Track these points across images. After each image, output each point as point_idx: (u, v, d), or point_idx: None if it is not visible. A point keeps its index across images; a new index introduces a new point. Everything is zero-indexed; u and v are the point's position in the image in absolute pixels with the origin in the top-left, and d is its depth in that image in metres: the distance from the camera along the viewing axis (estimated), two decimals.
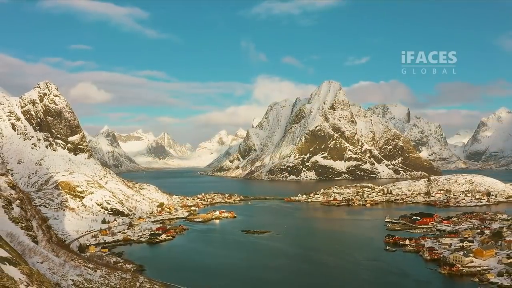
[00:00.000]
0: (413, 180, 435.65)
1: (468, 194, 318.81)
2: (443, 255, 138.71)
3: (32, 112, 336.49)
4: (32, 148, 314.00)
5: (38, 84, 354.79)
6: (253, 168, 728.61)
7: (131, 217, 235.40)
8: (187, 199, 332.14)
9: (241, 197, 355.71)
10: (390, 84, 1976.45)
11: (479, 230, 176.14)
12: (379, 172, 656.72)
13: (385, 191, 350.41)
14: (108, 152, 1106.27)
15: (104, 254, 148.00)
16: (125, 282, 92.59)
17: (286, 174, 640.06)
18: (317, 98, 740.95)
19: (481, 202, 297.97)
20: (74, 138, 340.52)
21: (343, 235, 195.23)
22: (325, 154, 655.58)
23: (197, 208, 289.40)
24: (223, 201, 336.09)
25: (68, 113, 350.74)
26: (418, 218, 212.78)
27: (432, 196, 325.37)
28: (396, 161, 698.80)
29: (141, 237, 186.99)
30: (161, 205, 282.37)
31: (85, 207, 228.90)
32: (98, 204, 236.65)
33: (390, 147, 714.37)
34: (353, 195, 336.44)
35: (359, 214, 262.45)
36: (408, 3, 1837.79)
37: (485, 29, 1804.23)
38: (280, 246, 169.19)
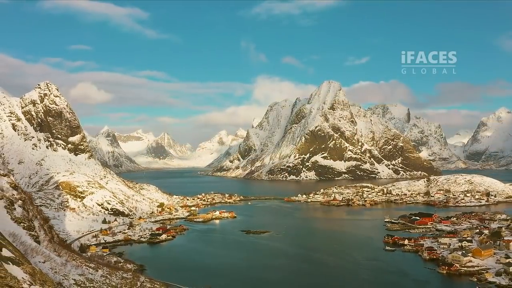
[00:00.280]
0: (412, 180, 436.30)
1: (468, 194, 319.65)
2: (442, 255, 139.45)
3: (33, 113, 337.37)
4: (33, 149, 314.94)
5: (39, 85, 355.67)
6: (253, 168, 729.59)
7: (132, 217, 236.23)
8: (187, 199, 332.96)
9: (241, 197, 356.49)
10: (390, 84, 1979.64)
11: (478, 230, 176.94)
12: (379, 172, 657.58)
13: (385, 191, 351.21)
14: (108, 152, 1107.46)
15: (104, 254, 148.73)
16: (126, 282, 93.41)
17: (286, 174, 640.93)
18: (317, 98, 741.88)
19: (480, 202, 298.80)
20: (75, 139, 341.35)
21: (343, 235, 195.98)
22: (325, 154, 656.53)
23: (197, 208, 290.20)
24: (223, 201, 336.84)
25: (69, 114, 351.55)
26: (418, 218, 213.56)
27: (431, 196, 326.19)
28: (396, 161, 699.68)
29: (141, 237, 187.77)
30: (161, 205, 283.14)
31: (85, 207, 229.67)
32: (98, 204, 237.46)
33: (390, 147, 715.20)
34: (352, 195, 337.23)
35: (359, 214, 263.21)
36: (408, 3, 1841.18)
37: (485, 29, 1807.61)
38: (280, 246, 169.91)
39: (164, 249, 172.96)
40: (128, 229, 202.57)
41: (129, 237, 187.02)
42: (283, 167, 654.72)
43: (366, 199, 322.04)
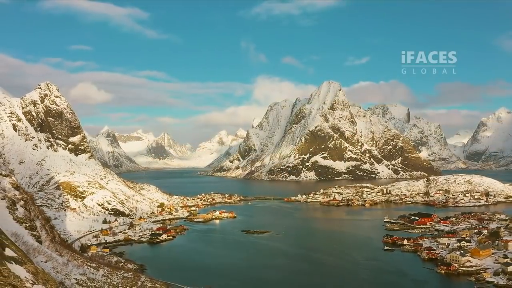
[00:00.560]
0: (412, 180, 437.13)
1: (467, 195, 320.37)
2: (440, 254, 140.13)
3: (33, 113, 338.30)
4: (33, 149, 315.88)
5: (39, 85, 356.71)
6: (253, 168, 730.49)
7: (132, 217, 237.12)
8: (187, 199, 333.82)
9: (241, 197, 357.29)
10: (390, 84, 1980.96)
11: (476, 230, 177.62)
12: (379, 172, 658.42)
13: (384, 191, 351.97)
14: (108, 153, 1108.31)
15: (105, 254, 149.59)
16: (127, 281, 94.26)
17: (286, 174, 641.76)
18: (317, 99, 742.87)
19: (479, 202, 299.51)
20: (75, 139, 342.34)
21: (342, 235, 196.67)
22: (325, 154, 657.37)
23: (197, 208, 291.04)
24: (223, 201, 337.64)
25: (69, 114, 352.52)
26: (417, 218, 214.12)
27: (431, 196, 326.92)
28: (396, 161, 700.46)
29: (141, 237, 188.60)
30: (161, 205, 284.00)
31: (86, 208, 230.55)
32: (99, 205, 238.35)
33: (390, 147, 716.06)
34: (352, 195, 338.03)
35: (358, 214, 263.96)
36: (408, 3, 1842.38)
37: (485, 29, 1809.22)
38: (280, 246, 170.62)
39: (165, 249, 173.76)
40: (129, 229, 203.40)
41: (130, 237, 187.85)
42: (283, 167, 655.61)
43: (365, 199, 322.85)
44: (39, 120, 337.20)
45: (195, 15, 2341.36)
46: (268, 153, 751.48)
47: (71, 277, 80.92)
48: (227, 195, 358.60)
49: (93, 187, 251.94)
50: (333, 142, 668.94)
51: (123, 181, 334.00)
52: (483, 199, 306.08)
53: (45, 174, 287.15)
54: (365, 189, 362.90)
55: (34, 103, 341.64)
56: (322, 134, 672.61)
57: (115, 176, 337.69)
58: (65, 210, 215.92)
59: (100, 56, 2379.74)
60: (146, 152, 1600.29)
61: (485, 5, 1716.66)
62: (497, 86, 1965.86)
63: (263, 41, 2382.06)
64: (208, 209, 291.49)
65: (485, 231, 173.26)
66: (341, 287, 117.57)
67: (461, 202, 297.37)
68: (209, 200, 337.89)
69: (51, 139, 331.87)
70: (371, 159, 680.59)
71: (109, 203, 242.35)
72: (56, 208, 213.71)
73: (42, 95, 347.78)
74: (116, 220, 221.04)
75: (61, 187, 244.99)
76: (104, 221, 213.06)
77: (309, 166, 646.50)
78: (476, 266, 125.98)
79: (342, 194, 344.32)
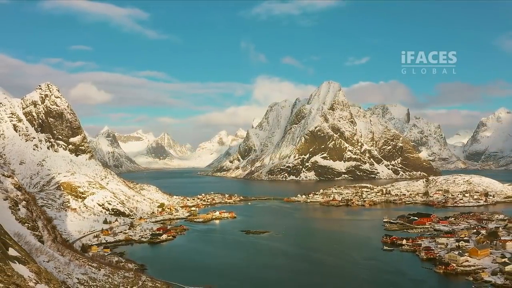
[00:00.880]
0: (412, 180, 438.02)
1: (466, 195, 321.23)
2: (439, 254, 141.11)
3: (34, 114, 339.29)
4: (34, 149, 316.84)
5: (40, 86, 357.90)
6: (253, 169, 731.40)
7: (132, 217, 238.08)
8: (188, 200, 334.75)
9: (241, 197, 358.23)
10: (390, 84, 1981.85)
11: (475, 230, 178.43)
12: (379, 173, 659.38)
13: (384, 191, 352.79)
14: (109, 153, 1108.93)
15: (106, 254, 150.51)
16: (128, 281, 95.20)
17: (286, 174, 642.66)
18: (317, 99, 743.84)
19: (478, 202, 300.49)
20: (75, 139, 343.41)
21: (342, 235, 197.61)
22: (325, 155, 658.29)
23: (197, 209, 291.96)
24: (223, 201, 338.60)
25: (69, 115, 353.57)
26: (416, 218, 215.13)
27: (430, 197, 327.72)
28: (396, 161, 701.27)
29: (142, 237, 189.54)
30: (161, 205, 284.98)
31: (86, 208, 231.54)
32: (99, 205, 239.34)
33: (390, 147, 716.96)
34: (352, 196, 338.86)
35: (358, 214, 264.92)
36: (408, 3, 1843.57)
37: (485, 29, 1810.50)
38: (280, 246, 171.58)
39: (165, 249, 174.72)
40: (129, 229, 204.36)
41: (130, 237, 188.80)
42: (283, 167, 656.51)
43: (365, 199, 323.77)
44: (40, 121, 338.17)
45: (195, 15, 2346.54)
46: (268, 153, 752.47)
47: (73, 276, 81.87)
48: (227, 195, 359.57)
49: (93, 188, 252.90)
50: (333, 142, 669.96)
51: (123, 181, 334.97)
52: (482, 199, 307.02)
53: (45, 175, 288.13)
54: (365, 189, 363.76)
55: (34, 103, 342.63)
56: (322, 134, 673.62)
57: (115, 177, 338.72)
58: (65, 211, 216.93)
59: (100, 56, 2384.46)
60: (146, 152, 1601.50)
61: (485, 5, 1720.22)
62: (497, 86, 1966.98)
63: (263, 41, 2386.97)
64: (208, 209, 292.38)
65: (483, 231, 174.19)
66: (341, 287, 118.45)
67: (460, 202, 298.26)
68: (209, 200, 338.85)
69: (52, 140, 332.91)
70: (371, 159, 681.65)
71: (109, 203, 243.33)
72: (56, 209, 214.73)
73: (43, 95, 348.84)
74: (116, 220, 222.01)
75: (61, 187, 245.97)
76: (105, 221, 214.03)
77: (309, 166, 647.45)
78: (474, 266, 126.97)
79: (342, 194, 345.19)
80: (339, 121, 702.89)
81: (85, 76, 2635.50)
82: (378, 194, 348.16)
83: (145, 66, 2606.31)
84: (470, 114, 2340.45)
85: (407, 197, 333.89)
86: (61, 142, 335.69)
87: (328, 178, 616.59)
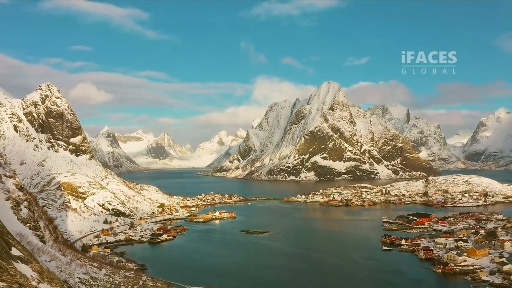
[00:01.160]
0: (411, 180, 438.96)
1: (465, 195, 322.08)
2: (437, 254, 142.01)
3: (34, 114, 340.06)
4: (34, 150, 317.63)
5: (40, 86, 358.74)
6: (253, 169, 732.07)
7: (133, 217, 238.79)
8: (188, 200, 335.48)
9: (241, 197, 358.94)
10: (390, 84, 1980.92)
11: (474, 230, 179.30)
12: (378, 173, 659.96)
13: (384, 191, 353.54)
14: (109, 153, 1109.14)
15: (106, 254, 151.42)
16: (128, 280, 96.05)
17: (286, 174, 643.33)
18: (317, 99, 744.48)
19: (478, 202, 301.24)
20: (76, 140, 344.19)
21: (341, 235, 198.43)
22: (325, 155, 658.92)
23: (197, 209, 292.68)
24: (223, 201, 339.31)
25: (70, 115, 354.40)
26: (415, 218, 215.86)
27: (429, 197, 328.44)
28: (395, 161, 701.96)
29: (142, 237, 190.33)
30: (161, 205, 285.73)
31: (87, 208, 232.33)
32: (100, 205, 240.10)
33: (389, 147, 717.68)
34: (351, 196, 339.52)
35: (357, 215, 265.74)
36: (408, 3, 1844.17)
37: (485, 29, 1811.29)
38: (280, 246, 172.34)
39: (165, 249, 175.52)
40: (129, 229, 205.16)
41: (130, 237, 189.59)
42: (282, 167, 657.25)
43: (364, 199, 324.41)
44: (40, 121, 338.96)
45: (195, 16, 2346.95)
46: (267, 154, 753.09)
47: (75, 276, 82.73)
48: (227, 196, 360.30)
49: (94, 188, 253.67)
50: (333, 142, 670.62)
51: (124, 181, 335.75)
52: (481, 199, 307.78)
53: (46, 175, 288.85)
54: (364, 190, 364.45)
55: (35, 104, 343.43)
56: (322, 135, 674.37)
57: (115, 177, 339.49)
58: (66, 211, 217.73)
59: (100, 57, 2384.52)
60: (146, 153, 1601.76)
61: (485, 5, 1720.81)
62: (497, 86, 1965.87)
63: (263, 42, 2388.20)
64: (208, 209, 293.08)
65: (482, 231, 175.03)
66: (340, 287, 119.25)
67: (459, 202, 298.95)
68: (209, 201, 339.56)
69: (52, 140, 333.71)
70: (371, 160, 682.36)
71: (109, 204, 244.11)
72: (57, 209, 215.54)
73: (43, 96, 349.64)
74: (117, 220, 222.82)
75: (62, 187, 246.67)
76: (105, 222, 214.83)
77: (309, 166, 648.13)
78: (472, 266, 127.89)
79: (342, 195, 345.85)
80: (339, 121, 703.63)
81: (85, 76, 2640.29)
82: (377, 194, 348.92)
83: (145, 66, 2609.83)
84: (470, 114, 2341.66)
85: (407, 197, 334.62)
86: (61, 143, 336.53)
87: (328, 178, 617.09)
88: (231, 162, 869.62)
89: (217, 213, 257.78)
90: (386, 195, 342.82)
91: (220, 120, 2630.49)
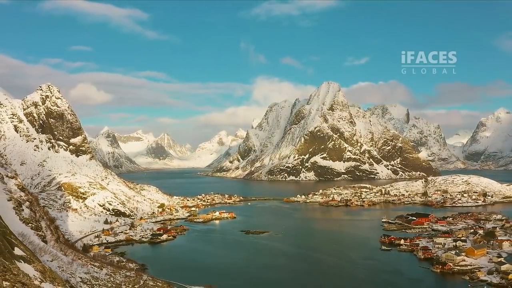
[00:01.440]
0: (411, 180, 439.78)
1: (465, 195, 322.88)
2: (436, 254, 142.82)
3: (35, 114, 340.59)
4: (35, 150, 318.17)
5: (40, 87, 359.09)
6: (252, 169, 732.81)
7: (133, 217, 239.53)
8: (188, 200, 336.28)
9: (241, 197, 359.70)
10: (390, 84, 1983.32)
11: (472, 230, 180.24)
12: (378, 173, 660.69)
13: (383, 191, 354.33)
14: (108, 153, 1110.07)
15: (107, 254, 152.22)
16: (129, 280, 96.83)
17: (286, 174, 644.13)
18: (316, 99, 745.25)
19: (477, 202, 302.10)
20: (76, 140, 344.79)
21: (341, 235, 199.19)
22: (324, 155, 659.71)
23: (197, 209, 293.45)
24: (223, 201, 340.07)
25: (70, 115, 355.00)
26: (414, 218, 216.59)
27: (429, 197, 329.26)
28: (395, 161, 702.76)
29: (142, 237, 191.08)
30: (162, 205, 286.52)
31: (87, 208, 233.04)
32: (100, 205, 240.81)
33: (389, 147, 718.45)
34: (351, 196, 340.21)
35: (357, 215, 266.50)
36: (408, 3, 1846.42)
37: (485, 29, 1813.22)
38: (279, 246, 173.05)
39: (165, 249, 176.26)
40: (130, 229, 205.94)
41: (131, 237, 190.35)
42: (282, 167, 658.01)
43: (364, 199, 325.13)
44: (40, 122, 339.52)
45: (195, 16, 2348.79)
46: (267, 154, 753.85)
47: (76, 275, 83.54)
48: (227, 196, 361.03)
49: (94, 188, 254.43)
50: (333, 142, 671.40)
51: (124, 181, 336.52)
52: (480, 199, 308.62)
53: (46, 175, 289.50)
54: (364, 190, 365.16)
55: (35, 104, 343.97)
56: (322, 135, 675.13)
57: (115, 177, 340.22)
58: (66, 211, 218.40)
59: (100, 57, 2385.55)
60: (146, 153, 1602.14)
61: (485, 5, 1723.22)
62: (496, 86, 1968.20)
63: (262, 42, 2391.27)
64: (208, 209, 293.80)
65: (481, 231, 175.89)
66: (340, 287, 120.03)
67: (458, 202, 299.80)
68: (209, 201, 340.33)
69: (52, 140, 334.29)
70: (370, 160, 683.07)
71: (110, 204, 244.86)
72: (58, 209, 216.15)
73: (43, 96, 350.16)
74: (117, 220, 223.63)
75: (62, 188, 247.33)
76: (106, 222, 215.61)
77: (309, 166, 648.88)
78: (471, 265, 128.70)
79: (341, 195, 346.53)
80: (339, 121, 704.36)
81: (85, 76, 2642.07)
82: (377, 194, 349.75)
83: (145, 66, 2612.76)
84: (469, 114, 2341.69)
85: (406, 197, 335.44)
86: (61, 143, 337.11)
87: (328, 178, 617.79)
88: (231, 162, 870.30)
89: (217, 213, 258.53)
90: (385, 195, 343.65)
91: (220, 120, 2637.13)
